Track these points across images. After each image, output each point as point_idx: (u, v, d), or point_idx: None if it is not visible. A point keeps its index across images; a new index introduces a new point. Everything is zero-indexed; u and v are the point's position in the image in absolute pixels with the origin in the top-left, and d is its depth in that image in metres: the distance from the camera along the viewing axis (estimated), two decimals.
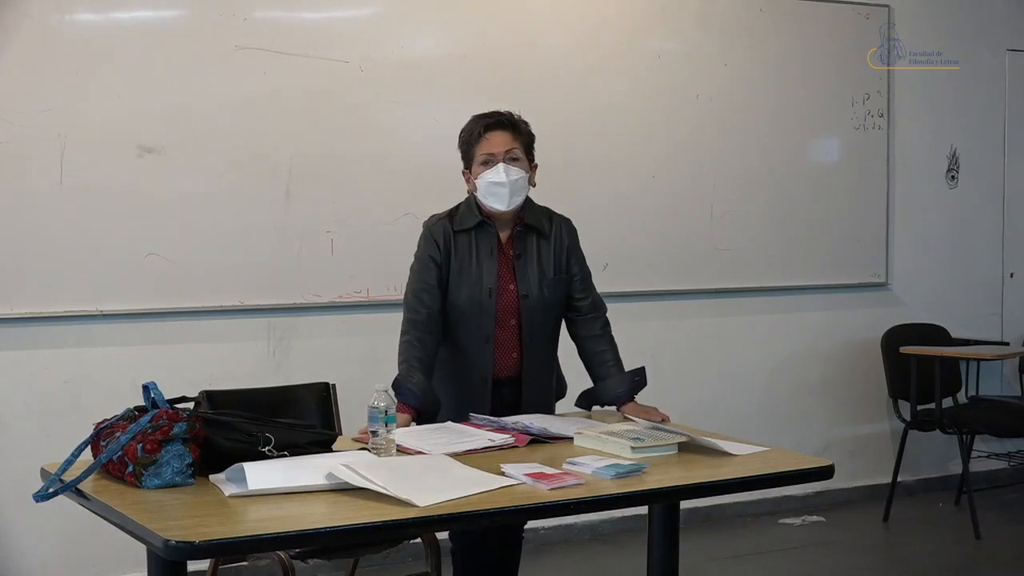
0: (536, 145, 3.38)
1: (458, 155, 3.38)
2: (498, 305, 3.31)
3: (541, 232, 3.37)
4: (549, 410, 3.44)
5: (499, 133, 3.28)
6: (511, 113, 3.35)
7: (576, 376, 3.53)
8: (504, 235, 3.35)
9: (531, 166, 3.34)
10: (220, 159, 4.42)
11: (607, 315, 3.50)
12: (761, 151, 5.46)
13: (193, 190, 4.39)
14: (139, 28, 4.32)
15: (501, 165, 3.25)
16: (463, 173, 3.36)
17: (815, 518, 5.51)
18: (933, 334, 5.77)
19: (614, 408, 3.38)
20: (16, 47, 4.13)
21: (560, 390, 3.55)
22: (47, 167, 4.17)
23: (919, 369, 5.41)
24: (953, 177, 6.01)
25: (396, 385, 3.13)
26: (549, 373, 3.47)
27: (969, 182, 6.05)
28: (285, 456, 2.60)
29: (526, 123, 3.36)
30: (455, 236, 3.31)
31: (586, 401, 3.42)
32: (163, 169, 4.33)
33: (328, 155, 4.59)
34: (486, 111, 3.35)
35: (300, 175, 4.54)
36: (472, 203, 3.34)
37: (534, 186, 3.37)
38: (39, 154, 4.16)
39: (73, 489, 2.46)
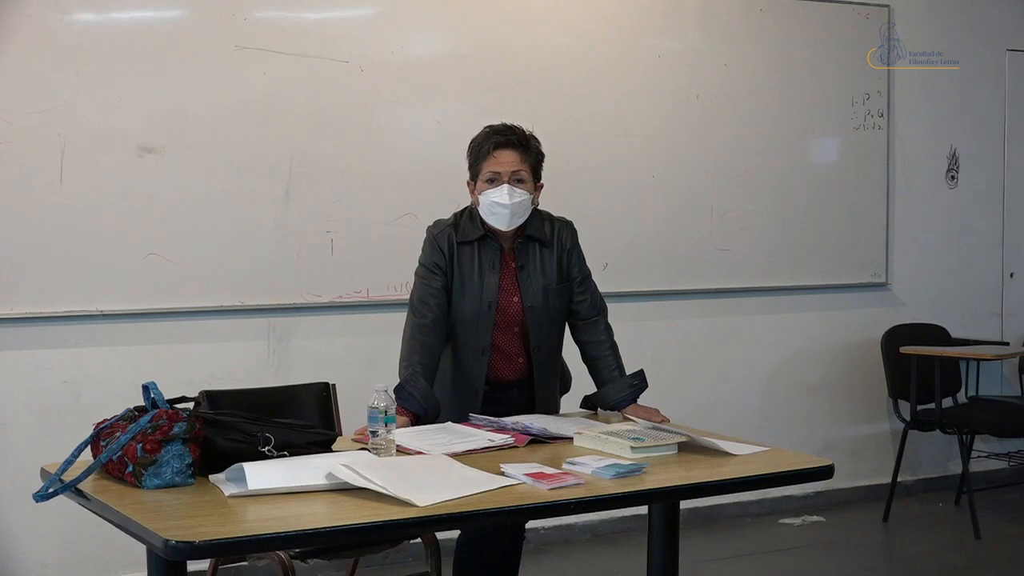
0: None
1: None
2: (502, 316, 3.32)
3: (543, 241, 3.38)
4: (555, 409, 3.45)
5: (508, 152, 3.26)
6: (523, 130, 3.33)
7: (578, 373, 3.54)
8: (506, 246, 3.36)
9: (536, 186, 3.34)
10: (220, 159, 4.42)
11: (608, 318, 3.50)
12: (761, 151, 5.46)
13: (193, 190, 4.39)
14: (139, 28, 4.32)
15: (505, 186, 3.24)
16: (468, 184, 3.36)
17: (815, 518, 5.51)
18: (933, 334, 5.77)
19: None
20: (16, 47, 4.13)
21: (564, 385, 3.56)
22: (47, 167, 4.17)
23: (919, 369, 5.41)
24: (953, 177, 6.01)
25: (399, 389, 3.13)
26: (555, 375, 3.48)
27: (969, 182, 6.05)
28: (285, 456, 2.60)
29: (537, 141, 3.35)
30: (459, 247, 3.31)
31: (589, 404, 3.44)
32: (163, 169, 4.33)
33: (328, 155, 4.59)
34: (499, 123, 3.33)
35: (300, 175, 4.54)
36: (475, 215, 3.34)
37: (536, 205, 3.37)
38: (39, 154, 4.16)
39: (73, 489, 2.46)
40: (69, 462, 2.52)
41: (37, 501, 2.46)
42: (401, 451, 2.79)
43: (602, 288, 3.54)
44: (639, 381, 3.37)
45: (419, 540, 3.66)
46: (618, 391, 3.36)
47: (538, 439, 2.99)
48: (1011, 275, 6.20)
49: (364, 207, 4.65)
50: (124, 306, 4.31)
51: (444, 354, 3.34)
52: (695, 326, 5.41)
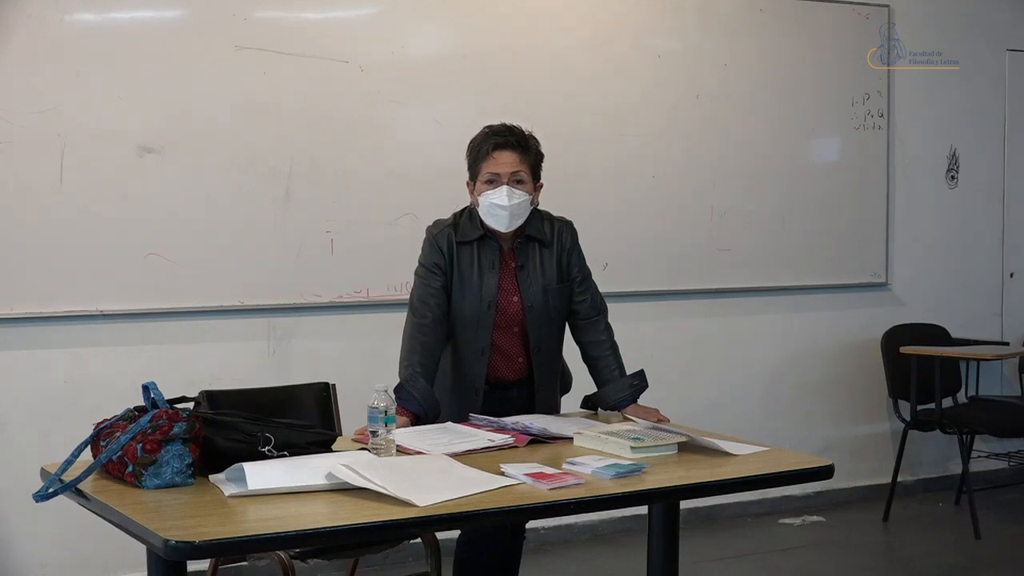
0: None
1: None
2: (501, 315, 3.32)
3: (543, 241, 3.38)
4: (555, 409, 3.45)
5: (507, 153, 3.26)
6: (522, 130, 3.32)
7: (579, 373, 3.54)
8: (506, 246, 3.36)
9: (536, 186, 3.33)
10: (220, 159, 4.42)
11: (608, 318, 3.50)
12: (761, 151, 5.46)
13: (193, 190, 4.39)
14: (139, 28, 4.32)
15: (504, 188, 3.24)
16: (467, 184, 3.35)
17: (815, 518, 5.51)
18: (933, 334, 5.77)
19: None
20: (16, 47, 4.13)
21: (565, 384, 3.56)
22: (47, 167, 4.17)
23: (919, 369, 5.41)
24: (953, 177, 6.01)
25: (399, 389, 3.13)
26: (555, 375, 3.48)
27: (969, 182, 6.05)
28: (285, 456, 2.60)
29: (536, 141, 3.34)
30: (458, 247, 3.31)
31: (590, 404, 3.44)
32: (163, 169, 4.33)
33: (328, 155, 4.58)
34: (498, 123, 3.33)
35: (300, 175, 4.54)
36: (475, 215, 3.34)
37: (536, 205, 3.37)
38: (39, 154, 4.16)
39: (73, 489, 2.46)
40: (69, 462, 2.52)
41: (37, 501, 2.46)
42: (401, 451, 2.79)
43: (602, 288, 3.54)
44: (639, 381, 3.37)
45: (419, 540, 3.66)
46: (618, 391, 3.36)
47: (538, 439, 3.00)
48: (1011, 275, 6.20)
49: (364, 207, 4.65)
50: (124, 306, 4.31)
51: (444, 354, 3.34)
52: (695, 326, 5.41)
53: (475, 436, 2.99)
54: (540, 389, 3.41)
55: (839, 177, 5.70)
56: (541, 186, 3.37)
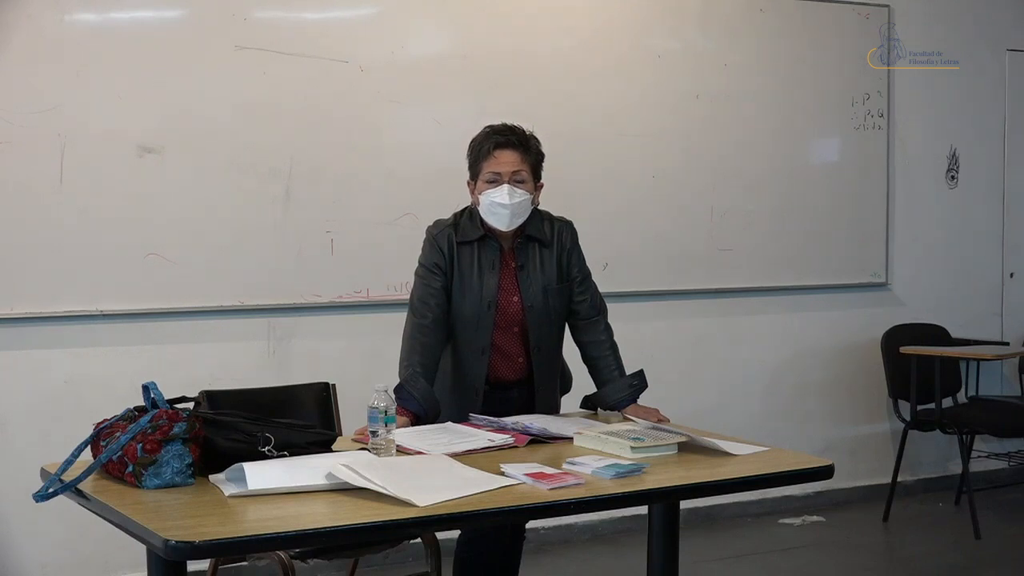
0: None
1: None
2: (501, 315, 3.33)
3: (543, 241, 3.38)
4: (555, 409, 3.45)
5: (508, 152, 3.26)
6: (523, 130, 3.33)
7: (578, 373, 3.54)
8: (506, 246, 3.36)
9: (536, 186, 3.34)
10: (220, 159, 4.42)
11: (608, 318, 3.50)
12: (761, 151, 5.46)
13: (193, 190, 4.39)
14: (139, 28, 4.32)
15: (506, 187, 3.24)
16: (468, 184, 3.36)
17: (815, 518, 5.51)
18: (933, 334, 5.77)
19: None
20: (16, 47, 4.13)
21: (565, 385, 3.56)
22: (47, 167, 4.17)
23: (919, 369, 5.41)
24: (953, 177, 6.01)
25: (399, 389, 3.13)
26: (555, 375, 3.48)
27: (969, 182, 6.05)
28: (285, 456, 2.60)
29: (537, 140, 3.35)
30: (458, 247, 3.32)
31: (590, 404, 3.44)
32: (163, 169, 4.33)
33: (328, 155, 4.59)
34: (499, 123, 3.33)
35: (300, 175, 4.54)
36: (475, 215, 3.34)
37: (536, 205, 3.37)
38: (39, 154, 4.16)
39: (73, 489, 2.47)
40: (69, 462, 2.52)
41: (37, 501, 2.46)
42: (401, 451, 2.79)
43: (602, 288, 3.54)
44: (639, 381, 3.37)
45: (419, 540, 3.66)
46: (618, 391, 3.36)
47: (538, 439, 3.00)
48: (1011, 275, 6.20)
49: (364, 207, 4.65)
50: (124, 306, 4.31)
51: (444, 354, 3.34)
52: (695, 326, 5.41)
53: (475, 436, 2.99)
54: (540, 389, 3.41)
55: (839, 177, 5.70)
56: (541, 186, 3.37)
